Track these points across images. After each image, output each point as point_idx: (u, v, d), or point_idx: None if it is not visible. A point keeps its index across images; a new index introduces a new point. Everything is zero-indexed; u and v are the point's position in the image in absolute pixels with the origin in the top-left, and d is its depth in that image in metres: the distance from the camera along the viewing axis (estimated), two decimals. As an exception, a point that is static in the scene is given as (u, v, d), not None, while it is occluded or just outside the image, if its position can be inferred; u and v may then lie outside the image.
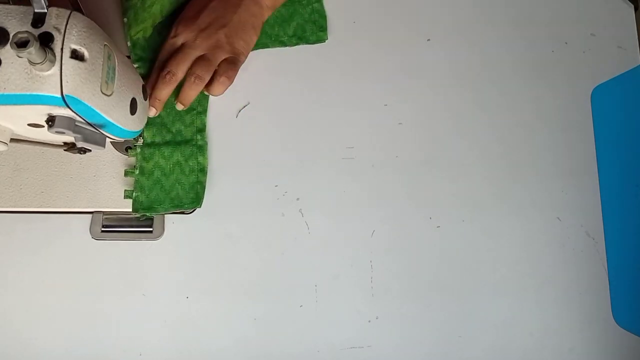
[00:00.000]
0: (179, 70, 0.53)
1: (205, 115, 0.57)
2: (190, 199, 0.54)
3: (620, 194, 0.59)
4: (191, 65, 0.54)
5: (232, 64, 0.55)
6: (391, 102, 0.60)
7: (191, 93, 0.55)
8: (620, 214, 0.59)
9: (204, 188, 0.55)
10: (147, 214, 0.54)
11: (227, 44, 0.55)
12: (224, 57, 0.55)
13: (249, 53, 0.58)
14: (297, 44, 0.60)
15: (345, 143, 0.59)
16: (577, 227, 0.59)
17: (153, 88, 0.54)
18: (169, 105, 0.56)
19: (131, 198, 0.54)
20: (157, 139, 0.56)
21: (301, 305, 0.54)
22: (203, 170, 0.56)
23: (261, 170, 0.57)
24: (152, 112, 0.54)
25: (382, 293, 0.55)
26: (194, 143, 0.56)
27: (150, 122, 0.56)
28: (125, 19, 0.57)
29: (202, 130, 0.57)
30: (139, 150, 0.55)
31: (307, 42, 0.60)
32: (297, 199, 0.57)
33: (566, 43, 0.64)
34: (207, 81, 0.54)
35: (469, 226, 0.58)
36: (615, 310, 0.57)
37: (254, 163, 0.57)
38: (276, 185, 0.57)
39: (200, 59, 0.54)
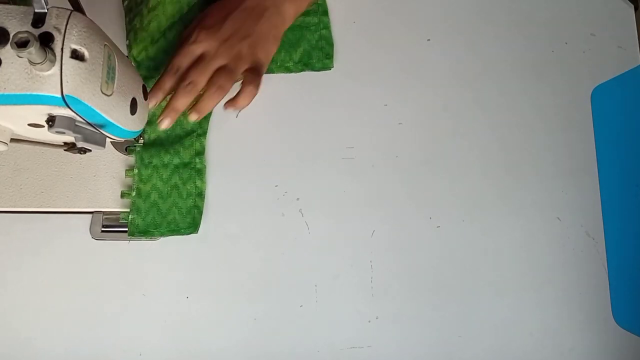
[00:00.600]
0: (201, 80, 0.52)
1: (205, 138, 0.56)
2: (187, 223, 0.54)
3: (620, 194, 0.59)
4: (212, 76, 0.52)
5: (257, 72, 0.54)
6: (391, 102, 0.60)
7: (210, 104, 0.53)
8: (620, 214, 0.59)
9: (201, 213, 0.55)
10: (143, 238, 0.53)
11: (249, 54, 0.54)
12: (245, 68, 0.54)
13: (269, 63, 0.57)
14: (302, 70, 0.59)
15: (345, 143, 0.59)
16: (577, 227, 0.59)
17: (172, 97, 0.52)
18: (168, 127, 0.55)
19: (127, 220, 0.53)
20: (155, 161, 0.55)
21: (301, 305, 0.54)
22: (201, 195, 0.55)
23: (261, 170, 0.57)
24: (166, 124, 0.52)
25: (382, 293, 0.55)
26: (192, 166, 0.55)
27: (148, 144, 0.55)
28: (127, 41, 0.57)
29: (201, 153, 0.56)
30: (136, 171, 0.54)
31: (313, 69, 0.59)
32: (297, 199, 0.57)
33: (566, 43, 0.64)
34: (228, 91, 0.53)
35: (469, 226, 0.58)
36: (615, 310, 0.57)
37: (254, 163, 0.57)
38: (276, 185, 0.57)
39: (221, 69, 0.53)
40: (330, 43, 0.60)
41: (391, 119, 0.60)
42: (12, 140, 0.42)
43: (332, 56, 0.60)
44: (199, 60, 0.53)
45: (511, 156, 0.60)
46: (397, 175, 0.58)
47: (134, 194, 0.54)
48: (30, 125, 0.39)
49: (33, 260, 0.53)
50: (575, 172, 0.60)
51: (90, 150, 0.46)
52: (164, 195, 0.54)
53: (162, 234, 0.54)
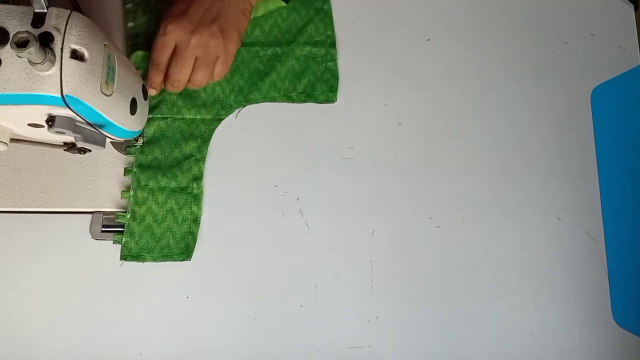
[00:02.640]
0: (182, 75, 0.54)
1: (204, 164, 0.56)
2: (180, 249, 0.53)
3: (620, 194, 0.59)
4: (192, 73, 0.54)
5: (225, 63, 0.56)
6: (391, 102, 0.60)
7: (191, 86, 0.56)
8: (620, 214, 0.59)
9: (195, 240, 0.54)
10: (135, 262, 0.53)
11: (221, 37, 0.54)
12: (219, 51, 0.54)
13: (242, 38, 0.57)
14: (305, 101, 0.59)
15: (345, 143, 0.59)
16: (577, 227, 0.59)
17: (148, 83, 0.54)
18: (167, 148, 0.55)
19: (120, 243, 0.53)
20: (152, 184, 0.54)
21: (301, 305, 0.54)
22: (196, 221, 0.54)
23: (261, 170, 0.57)
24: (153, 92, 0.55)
25: (382, 293, 0.55)
26: (189, 191, 0.55)
27: (146, 166, 0.55)
28: (128, 44, 0.58)
29: (199, 178, 0.55)
30: (132, 193, 0.53)
31: (316, 101, 0.59)
32: (297, 199, 0.57)
33: (566, 43, 0.64)
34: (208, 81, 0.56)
35: (469, 226, 0.58)
36: (615, 310, 0.57)
37: (254, 163, 0.57)
38: (276, 185, 0.57)
39: (198, 66, 0.54)
40: (335, 76, 0.59)
41: (391, 119, 0.60)
42: (12, 140, 0.42)
43: (337, 89, 0.59)
44: (175, 53, 0.53)
45: (511, 156, 0.60)
46: (397, 175, 0.58)
47: (128, 216, 0.53)
48: (30, 125, 0.39)
49: (33, 260, 0.53)
50: (575, 172, 0.60)
51: (90, 150, 0.46)
52: (159, 219, 0.54)
53: (155, 259, 0.53)
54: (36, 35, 0.34)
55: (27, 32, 0.33)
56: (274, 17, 0.60)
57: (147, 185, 0.54)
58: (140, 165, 0.55)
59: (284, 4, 0.60)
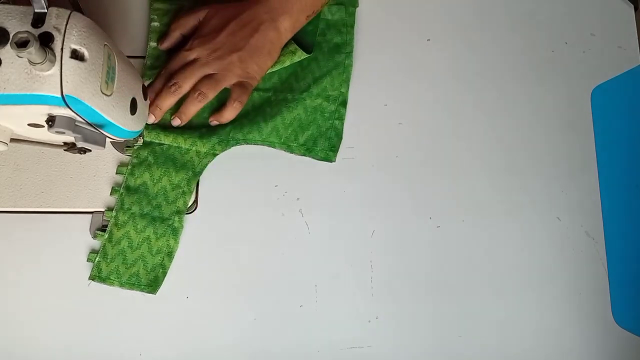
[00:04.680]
0: (186, 83, 0.53)
1: (190, 197, 0.55)
2: (148, 280, 0.52)
3: (620, 194, 0.59)
4: (198, 81, 0.54)
5: (244, 88, 0.55)
6: (391, 102, 0.60)
7: (192, 109, 0.54)
8: (620, 214, 0.59)
9: (165, 274, 0.53)
10: (102, 284, 0.52)
11: (239, 67, 0.54)
12: (234, 81, 0.55)
13: (261, 77, 0.57)
14: (303, 154, 0.57)
15: (345, 143, 0.59)
16: (577, 227, 0.59)
17: (156, 96, 0.54)
18: (157, 175, 0.54)
19: (92, 262, 0.52)
20: (135, 208, 0.53)
21: (301, 305, 0.54)
22: (170, 255, 0.53)
23: (261, 171, 0.57)
24: (152, 119, 0.54)
25: (382, 293, 0.55)
26: (170, 223, 0.54)
27: (134, 189, 0.54)
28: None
29: (181, 212, 0.54)
30: (114, 214, 0.53)
31: (314, 157, 0.57)
32: (297, 199, 0.57)
33: (566, 43, 0.64)
34: (209, 100, 0.54)
35: (469, 226, 0.58)
36: (615, 310, 0.57)
37: (254, 163, 0.57)
38: (276, 185, 0.57)
39: (207, 77, 0.54)
40: (339, 136, 0.58)
41: (391, 119, 0.60)
42: (12, 140, 0.42)
43: (337, 150, 0.57)
44: (189, 64, 0.54)
45: (511, 156, 0.60)
46: (397, 175, 0.58)
47: (106, 236, 0.53)
48: (30, 125, 0.39)
49: (33, 260, 0.53)
50: (575, 172, 0.60)
51: (90, 150, 0.46)
52: (134, 246, 0.53)
53: (121, 285, 0.52)
54: (36, 35, 0.34)
55: (27, 32, 0.33)
56: (294, 67, 0.59)
57: (130, 209, 0.53)
58: (127, 187, 0.54)
59: (307, 55, 0.58)
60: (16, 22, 0.36)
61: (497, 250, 0.57)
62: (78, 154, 0.48)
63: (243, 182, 0.57)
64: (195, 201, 0.56)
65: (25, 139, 0.45)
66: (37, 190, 0.54)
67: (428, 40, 0.63)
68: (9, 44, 0.35)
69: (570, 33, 0.64)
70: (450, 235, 0.57)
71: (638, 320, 0.56)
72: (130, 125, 0.45)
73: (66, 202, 0.54)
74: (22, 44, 0.33)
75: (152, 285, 0.52)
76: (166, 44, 0.57)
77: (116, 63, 0.41)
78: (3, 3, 0.37)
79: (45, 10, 0.36)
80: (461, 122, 0.60)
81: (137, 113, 0.46)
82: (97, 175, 0.55)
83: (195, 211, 0.56)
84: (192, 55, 0.54)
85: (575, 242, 0.58)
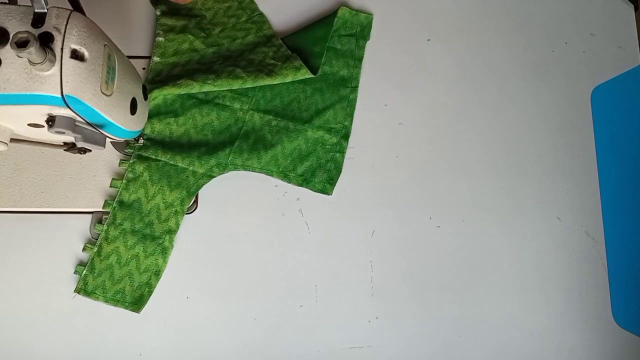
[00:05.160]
0: None
1: (182, 217, 0.54)
2: (133, 298, 0.52)
3: (620, 194, 0.59)
4: None
5: None
6: (391, 102, 0.60)
7: None
8: (620, 214, 0.59)
9: (150, 293, 0.52)
10: (87, 297, 0.52)
11: None
12: None
13: None
14: (300, 185, 0.56)
15: (345, 143, 0.59)
16: (577, 227, 0.59)
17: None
18: (151, 192, 0.54)
19: (79, 274, 0.52)
20: (126, 224, 0.53)
21: (301, 305, 0.54)
22: (158, 274, 0.53)
23: (261, 170, 0.57)
24: None
25: (382, 293, 0.55)
26: (160, 242, 0.53)
27: (127, 204, 0.53)
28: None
29: (173, 232, 0.53)
30: (105, 227, 0.52)
31: (311, 189, 0.56)
32: (297, 199, 0.57)
33: (566, 43, 0.64)
34: None
35: (469, 226, 0.58)
36: (615, 310, 0.57)
37: (254, 163, 0.57)
38: (276, 185, 0.57)
39: None
40: (338, 169, 0.57)
41: (391, 119, 0.60)
42: (12, 140, 0.42)
43: (335, 184, 0.57)
44: None
45: (511, 156, 0.60)
46: (397, 175, 0.58)
47: (95, 249, 0.52)
48: (30, 125, 0.39)
49: (33, 260, 0.53)
50: (575, 172, 0.60)
51: (90, 150, 0.46)
52: (122, 262, 0.52)
53: (106, 301, 0.52)
54: (36, 35, 0.34)
55: (27, 32, 0.33)
56: (297, 92, 0.58)
57: (121, 225, 0.53)
58: (121, 202, 0.53)
59: (312, 75, 0.57)
60: (16, 22, 0.36)
61: (497, 250, 0.57)
62: (78, 154, 0.48)
63: (243, 182, 0.56)
64: (195, 201, 0.56)
65: (25, 139, 0.45)
66: (37, 190, 0.54)
67: (428, 40, 0.63)
68: (9, 44, 0.35)
69: (570, 33, 0.64)
70: (450, 235, 0.57)
71: (638, 320, 0.56)
72: (130, 125, 0.45)
73: (66, 202, 0.54)
74: (22, 44, 0.33)
75: (137, 303, 0.52)
76: None
77: (116, 63, 0.41)
78: (3, 3, 0.37)
79: (45, 10, 0.36)
80: (461, 123, 0.60)
81: (137, 113, 0.46)
82: (97, 175, 0.55)
83: (195, 211, 0.56)
84: None
85: (575, 242, 0.58)
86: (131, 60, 0.52)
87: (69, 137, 0.41)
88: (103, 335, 0.52)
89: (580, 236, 0.59)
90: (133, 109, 0.45)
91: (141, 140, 0.55)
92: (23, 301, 0.52)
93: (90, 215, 0.54)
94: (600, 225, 0.59)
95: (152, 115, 0.55)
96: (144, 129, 0.52)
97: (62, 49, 0.36)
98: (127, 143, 0.54)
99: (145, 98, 0.49)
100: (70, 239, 0.53)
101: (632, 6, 0.65)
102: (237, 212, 0.56)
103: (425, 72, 0.61)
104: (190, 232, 0.55)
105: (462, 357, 0.55)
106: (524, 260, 0.57)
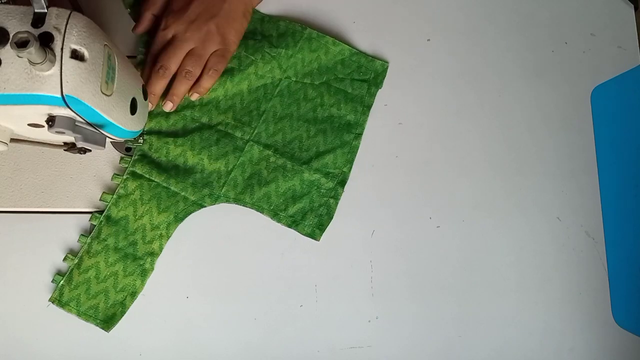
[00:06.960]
0: (172, 63, 0.53)
1: (166, 242, 0.53)
2: (106, 316, 0.51)
3: (620, 194, 0.59)
4: (182, 60, 0.53)
5: (221, 56, 0.55)
6: (391, 102, 0.60)
7: (182, 88, 0.54)
8: (620, 214, 0.59)
9: (123, 313, 0.51)
10: (60, 308, 0.51)
11: (218, 34, 0.54)
12: (214, 49, 0.54)
13: (239, 41, 0.56)
14: (289, 226, 0.55)
15: (345, 143, 0.59)
16: (577, 227, 0.59)
17: (147, 82, 0.53)
18: (140, 211, 0.53)
19: (57, 284, 0.52)
20: (110, 240, 0.53)
21: (301, 305, 0.54)
22: (134, 295, 0.52)
23: (261, 170, 0.57)
24: (150, 107, 0.54)
25: (382, 293, 0.55)
26: (141, 263, 0.52)
27: (114, 221, 0.53)
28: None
29: (155, 254, 0.53)
30: (88, 240, 0.52)
31: (299, 232, 0.55)
32: (297, 199, 0.57)
33: (566, 43, 0.64)
34: (197, 75, 0.54)
35: (469, 226, 0.58)
36: (615, 310, 0.57)
37: (254, 163, 0.57)
38: (276, 185, 0.57)
39: (190, 54, 0.53)
40: (330, 216, 0.56)
41: (391, 119, 0.60)
42: (12, 140, 0.42)
43: (324, 230, 0.55)
44: (169, 43, 0.54)
45: (511, 156, 0.60)
46: (397, 175, 0.58)
47: (75, 261, 0.52)
48: (30, 125, 0.39)
49: (33, 260, 0.53)
50: (575, 172, 0.60)
51: (90, 150, 0.46)
52: (100, 278, 0.52)
53: (78, 314, 0.51)
54: (36, 35, 0.34)
55: (27, 32, 0.33)
56: (300, 130, 0.57)
57: (105, 240, 0.53)
58: (108, 217, 0.53)
59: (330, 39, 0.58)
60: (16, 22, 0.36)
61: (497, 250, 0.57)
62: (78, 154, 0.48)
63: (243, 182, 0.56)
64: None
65: (25, 139, 0.45)
66: (37, 190, 0.54)
67: (428, 40, 0.63)
68: (9, 44, 0.35)
69: (570, 33, 0.64)
70: (450, 235, 0.57)
71: (638, 320, 0.56)
72: (130, 125, 0.45)
73: (66, 202, 0.54)
74: (22, 44, 0.33)
75: (108, 322, 0.51)
76: (140, 28, 0.56)
77: (116, 63, 0.41)
78: (3, 3, 0.37)
79: (45, 10, 0.36)
80: (461, 123, 0.60)
81: (137, 113, 0.46)
82: (97, 175, 0.55)
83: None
84: (169, 33, 0.54)
85: (575, 242, 0.58)
86: (131, 60, 0.52)
87: (69, 137, 0.41)
88: (103, 335, 0.52)
89: (580, 236, 0.59)
90: (133, 109, 0.45)
91: (141, 140, 0.55)
92: (23, 301, 0.52)
93: (90, 215, 0.54)
94: (600, 225, 0.59)
95: (152, 132, 0.55)
96: (143, 129, 0.52)
97: (62, 49, 0.36)
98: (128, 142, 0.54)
99: (145, 98, 0.49)
100: (70, 239, 0.53)
101: (632, 6, 0.65)
102: (237, 212, 0.56)
103: (425, 72, 0.61)
104: (190, 232, 0.55)
105: (462, 357, 0.55)
106: (524, 260, 0.57)
